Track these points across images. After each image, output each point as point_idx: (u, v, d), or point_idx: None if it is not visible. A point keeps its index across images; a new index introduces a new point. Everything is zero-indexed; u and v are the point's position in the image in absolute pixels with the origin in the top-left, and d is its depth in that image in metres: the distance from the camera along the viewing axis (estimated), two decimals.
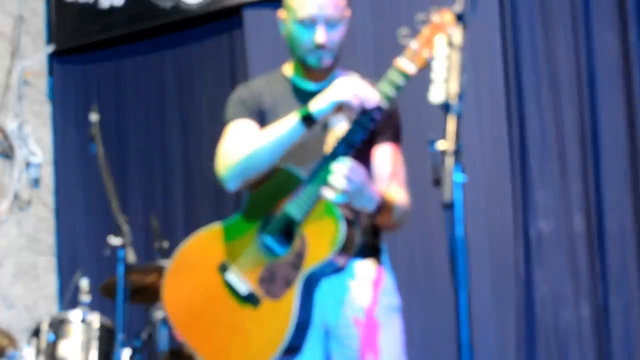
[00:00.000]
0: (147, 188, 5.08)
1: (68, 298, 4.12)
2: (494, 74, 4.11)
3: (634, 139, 3.84)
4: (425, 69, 2.17)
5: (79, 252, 5.16)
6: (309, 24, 2.38)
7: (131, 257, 3.14)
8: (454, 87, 1.73)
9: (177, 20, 4.95)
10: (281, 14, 2.50)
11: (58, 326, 3.69)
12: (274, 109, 2.46)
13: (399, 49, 2.25)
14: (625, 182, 3.85)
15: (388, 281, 2.45)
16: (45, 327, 3.69)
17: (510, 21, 4.11)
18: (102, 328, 3.73)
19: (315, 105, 2.25)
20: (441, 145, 1.66)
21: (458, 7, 1.84)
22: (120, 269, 3.21)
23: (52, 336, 3.65)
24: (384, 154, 2.46)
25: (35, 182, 5.17)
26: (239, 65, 4.84)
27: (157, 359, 3.76)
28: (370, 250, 2.44)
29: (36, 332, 3.75)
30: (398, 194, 2.40)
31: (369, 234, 2.43)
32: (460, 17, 1.84)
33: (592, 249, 3.86)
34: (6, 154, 5.04)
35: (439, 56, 1.86)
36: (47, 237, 5.21)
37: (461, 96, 1.72)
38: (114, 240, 3.21)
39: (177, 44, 5.10)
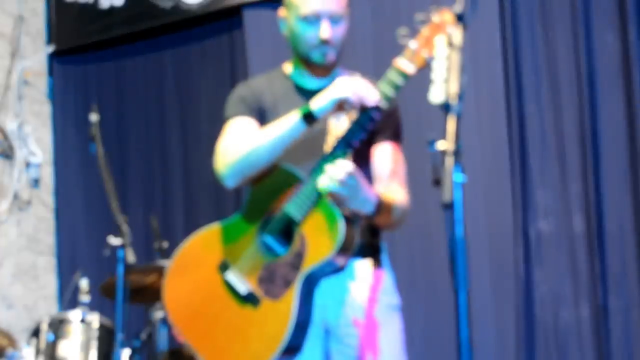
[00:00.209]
0: (147, 188, 5.08)
1: (68, 298, 4.12)
2: (494, 74, 4.11)
3: (634, 139, 3.84)
4: (425, 68, 2.17)
5: (78, 252, 5.16)
6: (313, 20, 2.38)
7: (131, 257, 3.14)
8: (454, 88, 1.73)
9: (177, 20, 4.95)
10: (281, 12, 2.50)
11: (58, 326, 3.69)
12: (275, 107, 2.46)
13: (398, 49, 2.25)
14: (625, 182, 3.85)
15: (388, 280, 2.46)
16: (44, 327, 3.69)
17: (510, 21, 4.11)
18: (102, 328, 3.73)
19: (316, 103, 2.25)
20: (441, 145, 1.66)
21: (458, 7, 1.84)
22: (120, 269, 3.21)
23: (51, 336, 3.65)
24: (384, 153, 2.46)
25: (35, 182, 5.17)
26: (239, 65, 4.84)
27: (156, 359, 3.76)
28: (370, 249, 2.44)
29: (36, 332, 3.75)
30: (397, 194, 2.40)
31: (368, 234, 2.43)
32: (460, 17, 1.84)
33: (592, 249, 3.86)
34: (6, 154, 5.04)
35: (439, 56, 1.86)
36: (47, 237, 5.22)
37: (461, 96, 1.72)
38: (114, 240, 3.21)
39: (177, 44, 5.10)
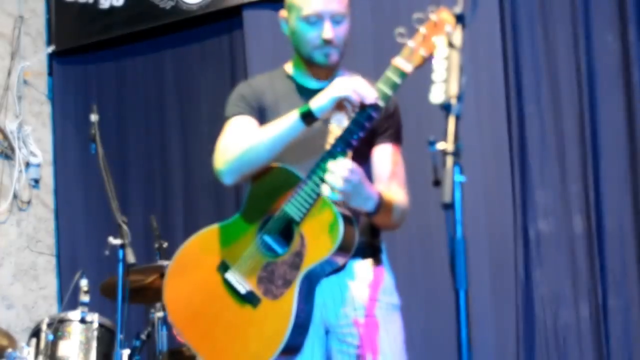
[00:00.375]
0: (147, 188, 5.08)
1: (68, 298, 4.12)
2: (494, 74, 4.12)
3: (634, 139, 3.84)
4: (423, 67, 2.17)
5: (78, 252, 5.16)
6: (315, 20, 2.38)
7: (131, 257, 3.14)
8: (454, 88, 1.73)
9: (177, 20, 4.95)
10: (283, 13, 2.50)
11: (58, 326, 3.69)
12: (276, 106, 2.46)
13: (398, 49, 2.25)
14: (625, 183, 3.85)
15: (387, 280, 2.46)
16: (44, 327, 3.69)
17: (510, 21, 4.11)
18: (102, 328, 3.73)
19: (315, 102, 2.25)
20: (441, 145, 1.66)
21: (458, 7, 1.84)
22: (120, 269, 3.21)
23: (51, 336, 3.65)
24: (384, 154, 2.46)
25: (35, 182, 5.17)
26: (239, 65, 4.84)
27: (156, 359, 3.76)
28: (370, 249, 2.44)
29: (36, 332, 3.75)
30: (397, 195, 2.40)
31: (368, 234, 2.43)
32: (460, 18, 1.84)
33: (592, 249, 3.86)
34: (6, 154, 5.04)
35: (439, 56, 1.86)
36: (47, 237, 5.22)
37: (461, 96, 1.72)
38: (114, 240, 3.21)
39: (177, 44, 5.10)
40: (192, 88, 5.03)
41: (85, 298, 3.71)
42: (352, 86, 2.20)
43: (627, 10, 3.88)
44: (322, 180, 2.21)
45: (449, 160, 1.64)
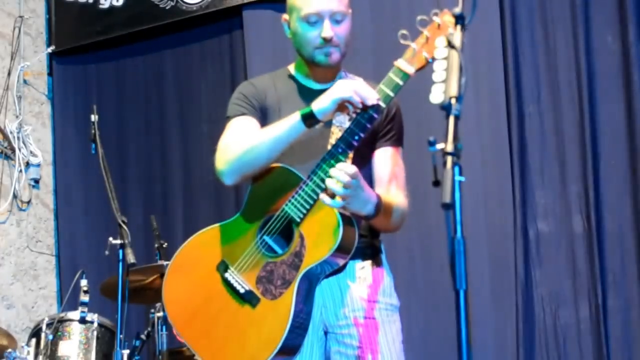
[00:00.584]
0: (147, 188, 5.08)
1: (68, 298, 4.12)
2: (494, 74, 4.12)
3: (634, 139, 3.84)
4: (425, 69, 2.18)
5: (78, 252, 5.16)
6: (315, 20, 2.38)
7: (131, 257, 3.14)
8: (454, 88, 1.73)
9: (177, 20, 4.95)
10: (285, 16, 2.50)
11: (58, 326, 3.69)
12: (278, 106, 2.46)
13: (398, 49, 2.25)
14: (625, 183, 3.86)
15: (387, 281, 2.46)
16: (45, 327, 3.69)
17: (510, 21, 4.11)
18: (102, 328, 3.73)
19: (317, 104, 2.25)
20: (441, 145, 1.66)
21: (458, 8, 1.84)
22: (120, 269, 3.21)
23: (51, 336, 3.65)
24: (384, 157, 2.46)
25: (35, 182, 5.17)
26: (238, 65, 4.84)
27: (156, 359, 3.76)
28: (370, 250, 2.45)
29: (36, 332, 3.75)
30: (397, 198, 2.40)
31: (367, 235, 2.43)
32: (460, 18, 1.84)
33: (591, 250, 3.86)
34: (6, 154, 5.04)
35: (440, 57, 1.86)
36: (47, 237, 5.22)
37: (461, 97, 1.72)
38: (114, 240, 3.21)
39: (177, 44, 5.10)
40: (192, 88, 5.03)
41: (85, 298, 3.71)
42: (354, 88, 2.21)
43: (627, 10, 3.88)
44: (323, 181, 2.21)
45: (449, 160, 1.64)
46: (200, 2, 4.85)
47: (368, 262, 2.43)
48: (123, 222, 3.24)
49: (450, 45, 1.80)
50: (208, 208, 4.81)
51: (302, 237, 2.25)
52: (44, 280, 5.13)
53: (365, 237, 2.41)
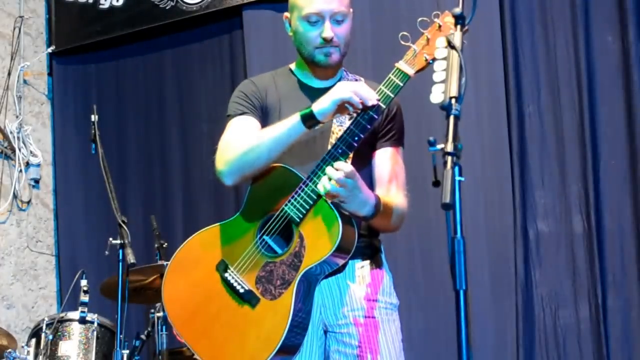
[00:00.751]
0: (146, 188, 5.08)
1: (68, 298, 4.12)
2: (494, 74, 4.12)
3: (634, 139, 3.85)
4: (426, 70, 2.18)
5: (78, 252, 5.16)
6: (315, 20, 2.39)
7: (131, 257, 3.14)
8: (454, 88, 1.73)
9: (177, 21, 4.95)
10: (286, 14, 2.50)
11: (58, 326, 3.69)
12: (279, 104, 2.47)
13: (398, 49, 2.26)
14: (625, 183, 3.86)
15: (386, 281, 2.46)
16: (45, 327, 3.69)
17: (510, 21, 4.11)
18: (102, 328, 3.73)
19: (317, 105, 2.25)
20: (441, 145, 1.66)
21: (458, 8, 1.84)
22: (120, 269, 3.21)
23: (51, 336, 3.65)
24: (385, 157, 2.46)
25: (35, 182, 5.18)
26: (238, 65, 4.84)
27: (156, 359, 3.76)
28: (369, 250, 2.45)
29: (36, 332, 3.75)
30: (396, 198, 2.40)
31: (367, 234, 2.43)
32: (460, 18, 1.84)
33: (591, 250, 3.86)
34: (6, 154, 5.04)
35: (440, 57, 1.86)
36: (47, 237, 5.22)
37: (461, 97, 1.72)
38: (114, 240, 3.21)
39: (177, 44, 5.10)
40: (192, 88, 5.03)
41: (85, 298, 3.71)
42: (354, 89, 2.21)
43: (627, 11, 3.88)
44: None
45: (449, 160, 1.64)
46: (200, 2, 4.86)
47: (367, 262, 2.43)
48: (123, 222, 3.25)
49: (451, 45, 1.81)
50: (208, 208, 4.81)
51: (301, 238, 2.25)
52: (44, 280, 5.13)
53: (364, 236, 2.41)
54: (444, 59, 1.81)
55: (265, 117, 2.46)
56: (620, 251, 3.83)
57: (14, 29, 5.19)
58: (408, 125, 2.58)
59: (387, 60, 2.26)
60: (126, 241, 3.19)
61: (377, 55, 4.30)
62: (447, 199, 1.60)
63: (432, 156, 1.66)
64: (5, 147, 5.03)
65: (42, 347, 3.66)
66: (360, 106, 2.21)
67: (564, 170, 3.97)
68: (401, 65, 2.23)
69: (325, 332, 2.41)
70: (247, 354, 2.27)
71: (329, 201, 2.22)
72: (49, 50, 5.31)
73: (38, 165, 5.17)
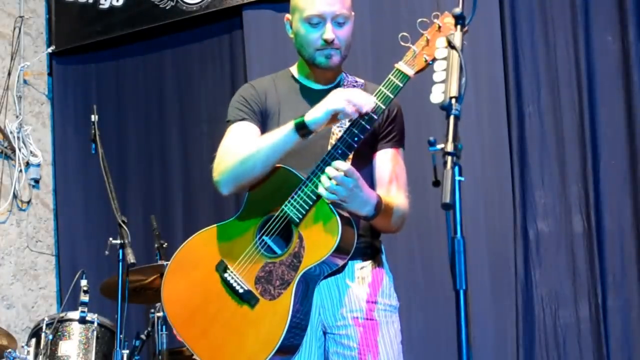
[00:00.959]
0: (146, 188, 5.08)
1: (68, 298, 4.12)
2: (494, 74, 4.12)
3: (633, 139, 3.85)
4: (426, 70, 2.18)
5: (78, 252, 5.16)
6: (317, 21, 2.39)
7: (131, 257, 3.14)
8: (454, 88, 1.73)
9: (177, 21, 4.95)
10: (287, 16, 2.50)
11: (58, 326, 3.69)
12: (278, 107, 2.47)
13: (398, 50, 2.26)
14: (624, 183, 3.86)
15: (386, 282, 2.46)
16: (45, 327, 3.69)
17: (510, 21, 4.11)
18: (102, 328, 3.73)
19: (310, 115, 2.26)
20: (441, 145, 1.66)
21: (458, 9, 1.85)
22: (120, 269, 3.21)
23: (51, 336, 3.65)
24: (385, 158, 2.46)
25: (35, 182, 5.18)
26: (238, 65, 4.84)
27: (156, 359, 3.76)
28: (369, 250, 2.45)
29: (36, 332, 3.75)
30: (397, 199, 2.40)
31: (367, 235, 2.43)
32: (460, 19, 1.84)
33: (591, 250, 3.86)
34: (6, 154, 5.04)
35: (440, 57, 1.86)
36: (47, 237, 5.22)
37: (461, 97, 1.72)
38: (114, 240, 3.21)
39: (177, 44, 5.10)
40: (192, 88, 5.03)
41: (85, 298, 3.71)
42: (347, 98, 2.21)
43: (627, 11, 3.88)
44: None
45: (449, 160, 1.64)
46: (200, 2, 4.86)
47: (368, 263, 2.43)
48: (123, 222, 3.25)
49: (451, 45, 1.81)
50: (208, 208, 4.81)
51: (301, 238, 2.25)
52: (44, 280, 5.13)
53: (365, 237, 2.41)
54: (444, 59, 1.82)
55: (265, 121, 2.47)
56: (620, 251, 3.83)
57: (14, 29, 5.19)
58: (408, 126, 2.58)
59: (386, 61, 2.26)
60: (126, 241, 3.19)
61: (377, 56, 4.30)
62: (447, 199, 1.60)
63: (432, 156, 1.67)
64: (5, 147, 5.03)
65: (42, 347, 3.66)
66: (356, 115, 2.21)
67: (564, 170, 3.97)
68: (401, 66, 2.24)
69: (325, 333, 2.41)
70: (246, 354, 2.27)
71: (329, 201, 2.22)
72: (49, 50, 5.31)
73: (38, 165, 5.17)
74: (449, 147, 1.65)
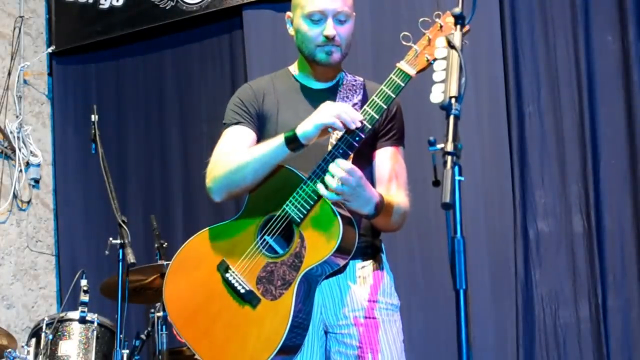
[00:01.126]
0: (146, 188, 5.08)
1: (68, 298, 4.12)
2: (494, 74, 4.12)
3: (634, 139, 3.85)
4: (426, 70, 2.19)
5: (78, 252, 5.16)
6: (318, 18, 2.39)
7: (131, 257, 3.14)
8: (454, 88, 1.73)
9: (177, 21, 4.95)
10: (289, 13, 2.51)
11: (58, 326, 3.69)
12: (277, 107, 2.47)
13: (398, 49, 2.26)
14: (624, 183, 3.86)
15: (387, 281, 2.46)
16: (45, 326, 3.69)
17: (510, 21, 4.11)
18: (102, 328, 3.73)
19: (301, 128, 2.26)
20: (441, 145, 1.66)
21: (458, 8, 1.85)
22: (120, 269, 3.21)
23: (51, 336, 3.65)
24: (385, 156, 2.46)
25: (35, 182, 5.18)
26: (238, 65, 4.84)
27: (156, 358, 3.76)
28: (370, 250, 2.45)
29: (36, 332, 3.75)
30: (398, 197, 2.40)
31: (368, 234, 2.43)
32: (460, 18, 1.84)
33: (591, 249, 3.86)
34: (6, 154, 5.04)
35: (440, 57, 1.86)
36: (47, 237, 5.22)
37: (461, 97, 1.72)
38: (114, 240, 3.21)
39: (177, 44, 5.10)
40: (192, 88, 5.03)
41: (85, 298, 3.71)
42: (336, 113, 2.22)
43: (627, 11, 3.88)
44: (323, 182, 2.21)
45: (449, 160, 1.64)
46: (200, 2, 4.86)
47: (368, 262, 2.44)
48: (123, 222, 3.25)
49: (450, 45, 1.81)
50: (208, 208, 4.81)
51: (302, 238, 2.25)
52: (44, 280, 5.13)
53: (365, 236, 2.41)
54: (444, 58, 1.82)
55: (262, 122, 2.47)
56: (620, 251, 3.83)
57: (14, 29, 5.19)
58: (408, 125, 2.58)
59: (387, 61, 2.27)
60: (126, 241, 3.19)
61: (378, 56, 4.30)
62: (447, 199, 1.60)
63: (432, 156, 1.67)
64: (5, 147, 5.03)
65: (42, 346, 3.66)
66: (343, 130, 2.22)
67: (564, 170, 3.97)
68: (402, 65, 2.24)
69: (326, 332, 2.41)
70: (247, 354, 2.27)
71: (331, 201, 2.22)
72: (49, 50, 5.31)
73: (38, 165, 5.17)
74: (449, 147, 1.65)
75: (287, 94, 2.50)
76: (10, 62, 5.14)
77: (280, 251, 2.30)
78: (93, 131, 3.48)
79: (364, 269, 2.42)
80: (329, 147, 2.28)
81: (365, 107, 2.27)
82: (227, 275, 2.33)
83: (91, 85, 5.31)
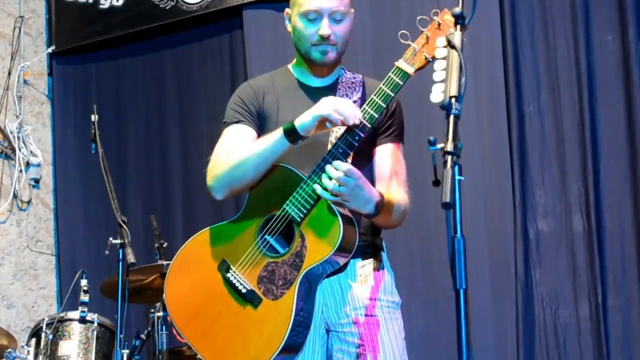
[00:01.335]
0: (146, 188, 5.08)
1: (68, 298, 4.12)
2: (494, 74, 4.12)
3: (633, 139, 3.85)
4: (425, 69, 2.19)
5: (78, 252, 5.16)
6: (314, 17, 2.39)
7: (131, 257, 3.14)
8: (454, 88, 1.73)
9: (177, 21, 4.95)
10: (287, 10, 2.52)
11: (58, 326, 3.69)
12: (277, 105, 2.47)
13: (398, 48, 2.26)
14: (625, 183, 3.86)
15: (388, 279, 2.46)
16: (45, 326, 3.69)
17: (510, 21, 4.11)
18: (102, 328, 3.73)
19: (299, 120, 2.27)
20: (441, 145, 1.66)
21: (458, 8, 1.85)
22: (120, 269, 3.21)
23: (51, 336, 3.65)
24: (385, 153, 2.47)
25: (35, 182, 5.18)
26: (238, 65, 4.84)
27: (156, 358, 3.76)
28: (371, 249, 2.45)
29: (36, 332, 3.75)
30: (397, 194, 2.41)
31: (369, 233, 2.44)
32: (460, 18, 1.84)
33: (591, 249, 3.86)
34: (6, 154, 5.04)
35: (440, 57, 1.86)
36: (47, 237, 5.22)
37: (461, 96, 1.72)
38: (114, 240, 3.21)
39: (177, 44, 5.10)
40: (192, 88, 5.03)
41: (85, 298, 3.71)
42: (335, 106, 2.22)
43: (627, 11, 3.88)
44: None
45: (449, 160, 1.64)
46: (200, 2, 4.86)
47: (369, 261, 2.44)
48: (123, 222, 3.25)
49: (450, 45, 1.81)
50: (208, 208, 4.81)
51: (302, 237, 2.25)
52: (44, 280, 5.13)
53: (366, 235, 2.41)
54: (444, 58, 1.82)
55: (263, 120, 2.47)
56: (620, 251, 3.83)
57: (14, 29, 5.19)
58: (408, 125, 2.58)
59: (387, 59, 2.27)
60: (126, 241, 3.19)
61: (377, 54, 4.30)
62: (447, 199, 1.60)
63: (432, 155, 1.67)
64: (5, 147, 5.03)
65: (42, 346, 3.66)
66: (340, 124, 2.22)
67: (564, 170, 3.97)
68: (401, 63, 2.24)
69: (328, 331, 2.41)
70: (249, 353, 2.27)
71: (330, 201, 2.22)
72: (49, 50, 5.31)
73: (38, 165, 5.17)
74: (449, 147, 1.65)
75: (286, 92, 2.50)
76: (10, 62, 5.14)
77: (281, 251, 2.30)
78: (93, 131, 3.48)
79: (364, 267, 2.42)
80: (329, 147, 2.28)
81: (364, 106, 2.27)
82: (228, 275, 2.33)
83: (91, 85, 5.31)
